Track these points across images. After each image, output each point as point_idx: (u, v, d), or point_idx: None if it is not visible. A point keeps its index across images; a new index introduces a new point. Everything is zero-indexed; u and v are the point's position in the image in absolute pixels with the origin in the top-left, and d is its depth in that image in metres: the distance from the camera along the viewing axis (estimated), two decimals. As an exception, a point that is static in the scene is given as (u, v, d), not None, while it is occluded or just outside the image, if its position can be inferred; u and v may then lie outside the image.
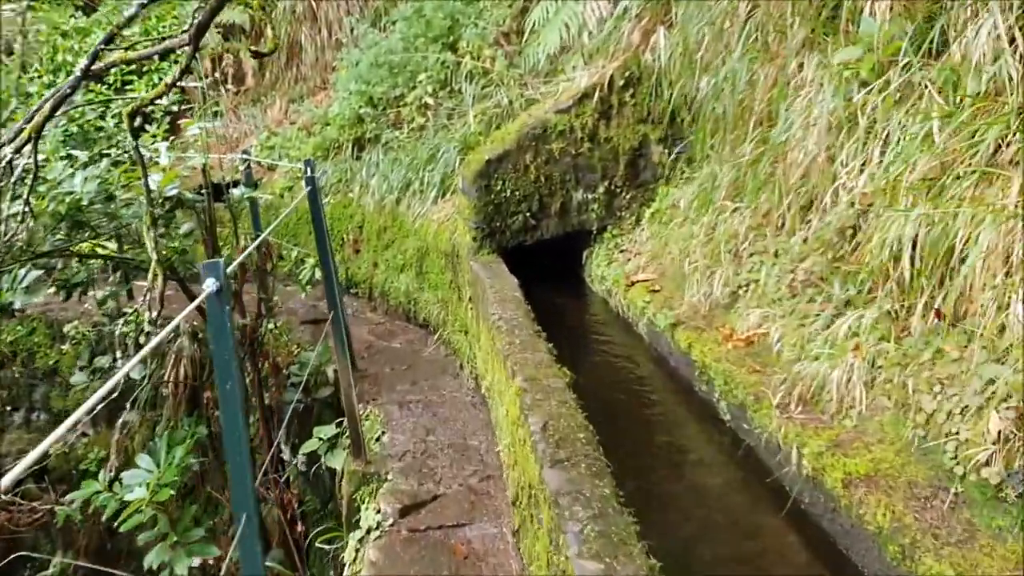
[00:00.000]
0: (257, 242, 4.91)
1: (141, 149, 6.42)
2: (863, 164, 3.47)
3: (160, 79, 10.62)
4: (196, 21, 4.95)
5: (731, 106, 4.63)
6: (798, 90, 4.04)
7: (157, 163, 6.00)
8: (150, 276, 5.23)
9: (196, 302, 2.81)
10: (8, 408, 9.59)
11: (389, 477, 4.99)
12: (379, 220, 8.61)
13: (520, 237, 6.35)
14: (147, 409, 9.73)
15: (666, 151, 6.20)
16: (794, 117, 3.93)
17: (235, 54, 11.20)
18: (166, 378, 7.41)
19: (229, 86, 11.02)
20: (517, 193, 6.24)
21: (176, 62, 10.86)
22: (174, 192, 5.89)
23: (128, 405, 9.98)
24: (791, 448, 3.21)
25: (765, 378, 3.58)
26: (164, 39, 5.64)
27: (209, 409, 7.16)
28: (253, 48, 9.64)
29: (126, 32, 8.20)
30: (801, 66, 4.10)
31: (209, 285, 2.66)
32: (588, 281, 6.48)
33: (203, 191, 6.75)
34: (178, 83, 5.10)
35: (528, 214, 6.30)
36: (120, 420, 9.84)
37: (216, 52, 11.04)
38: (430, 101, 8.62)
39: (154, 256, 5.03)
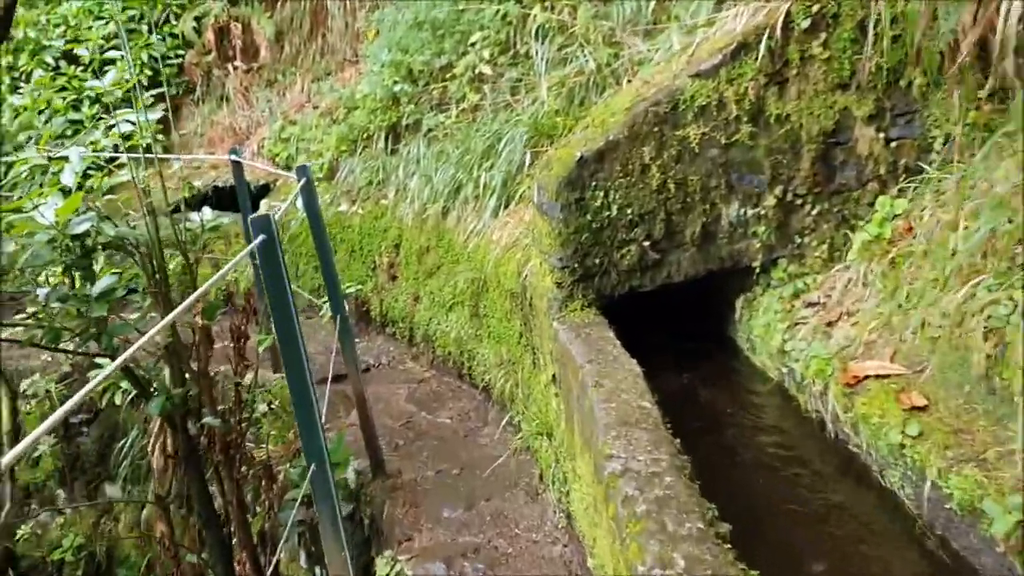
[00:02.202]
0: (205, 289, 2.77)
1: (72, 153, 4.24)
2: None
3: (153, 54, 8.44)
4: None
5: None
6: None
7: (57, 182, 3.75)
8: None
9: None
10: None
11: None
12: (420, 238, 6.29)
13: (632, 280, 3.95)
14: (133, 483, 7.68)
15: (881, 136, 3.70)
16: None
17: (245, 22, 8.98)
18: (149, 448, 5.47)
19: (238, 62, 8.79)
20: (629, 210, 3.84)
21: (174, 35, 8.72)
22: (85, 226, 3.64)
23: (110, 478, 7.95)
24: None
25: None
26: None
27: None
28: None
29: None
30: None
31: None
32: (745, 349, 4.05)
33: (175, 213, 4.56)
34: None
35: (647, 243, 3.88)
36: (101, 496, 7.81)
37: (221, 20, 8.82)
38: (487, 70, 6.25)
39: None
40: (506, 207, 5.55)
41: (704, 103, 3.75)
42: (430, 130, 6.50)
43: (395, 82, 6.84)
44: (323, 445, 2.67)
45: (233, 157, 5.61)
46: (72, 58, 8.05)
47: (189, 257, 3.91)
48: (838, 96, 3.70)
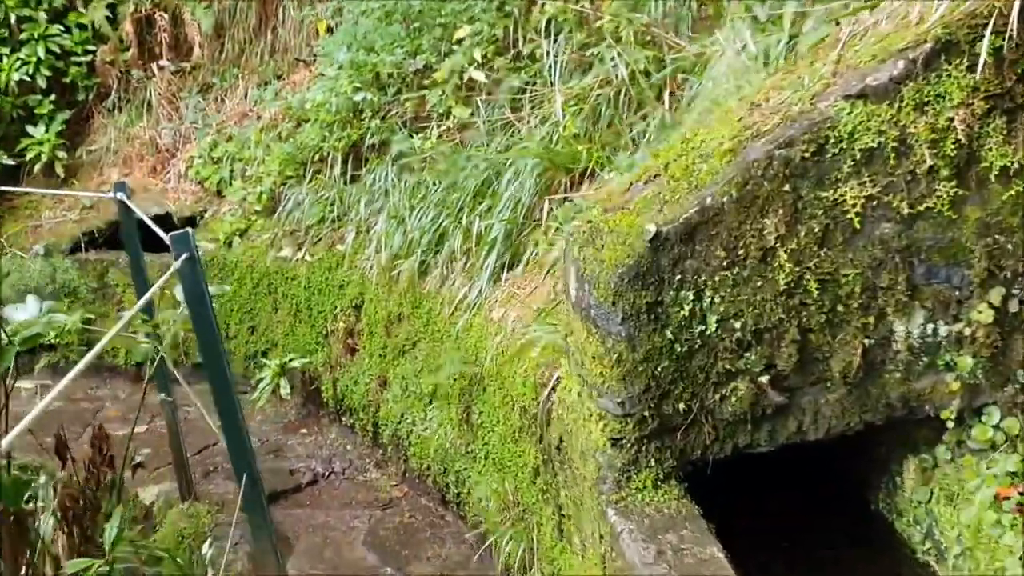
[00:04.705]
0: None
1: None
2: None
3: (54, 49, 6.75)
4: None
5: None
6: None
7: None
8: None
9: None
10: None
11: None
12: (390, 300, 4.68)
13: (739, 436, 2.38)
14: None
15: None
16: None
17: (175, 12, 7.29)
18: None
19: (164, 62, 7.11)
20: (738, 324, 2.26)
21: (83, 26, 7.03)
22: None
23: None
24: None
25: None
26: None
27: None
28: None
29: None
30: None
31: None
32: (919, 550, 2.50)
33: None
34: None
35: (766, 377, 2.30)
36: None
37: (143, 9, 7.13)
38: (478, 76, 4.65)
39: None
40: (510, 268, 3.98)
41: (871, 144, 2.18)
42: (403, 155, 4.88)
43: (356, 88, 5.21)
44: None
45: (119, 196, 3.96)
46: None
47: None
48: (1112, 136, 2.15)
